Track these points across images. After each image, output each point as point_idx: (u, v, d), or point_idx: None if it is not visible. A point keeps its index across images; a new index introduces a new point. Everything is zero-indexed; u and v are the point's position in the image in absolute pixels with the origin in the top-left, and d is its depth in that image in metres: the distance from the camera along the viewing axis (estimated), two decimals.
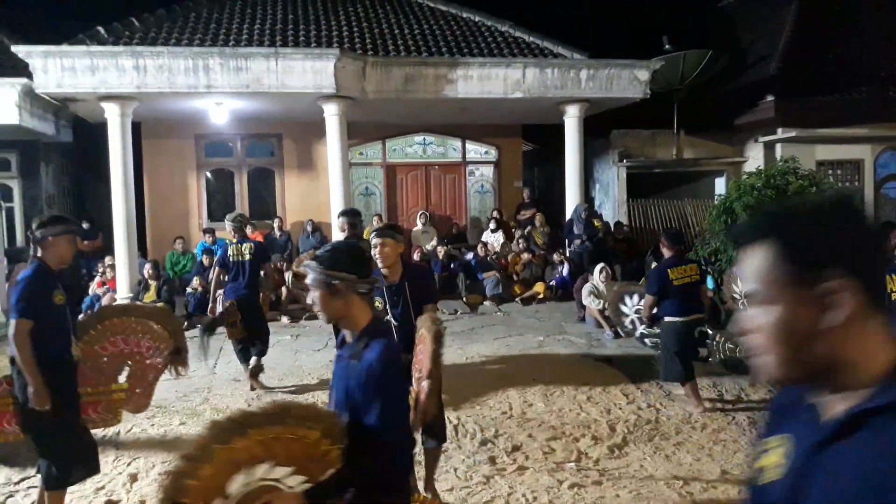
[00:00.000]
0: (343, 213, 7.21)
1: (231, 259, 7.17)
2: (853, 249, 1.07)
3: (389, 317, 4.26)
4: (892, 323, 1.07)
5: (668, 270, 6.15)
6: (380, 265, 4.23)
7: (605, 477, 4.74)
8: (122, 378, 4.49)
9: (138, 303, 7.73)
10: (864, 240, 1.09)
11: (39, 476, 4.05)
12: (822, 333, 1.05)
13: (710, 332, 6.97)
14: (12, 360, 3.81)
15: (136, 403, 4.53)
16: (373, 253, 4.19)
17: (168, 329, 4.60)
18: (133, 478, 4.80)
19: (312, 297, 2.38)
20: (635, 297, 7.64)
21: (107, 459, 5.14)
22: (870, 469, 0.98)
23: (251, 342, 7.07)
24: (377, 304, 4.23)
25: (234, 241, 7.29)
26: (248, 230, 7.76)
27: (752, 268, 1.13)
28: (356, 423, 2.25)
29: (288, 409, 2.28)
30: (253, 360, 7.00)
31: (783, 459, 1.14)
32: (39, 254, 3.91)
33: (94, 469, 4.13)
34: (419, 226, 13.74)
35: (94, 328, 4.40)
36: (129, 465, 5.03)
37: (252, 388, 6.89)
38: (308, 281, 2.39)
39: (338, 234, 8.00)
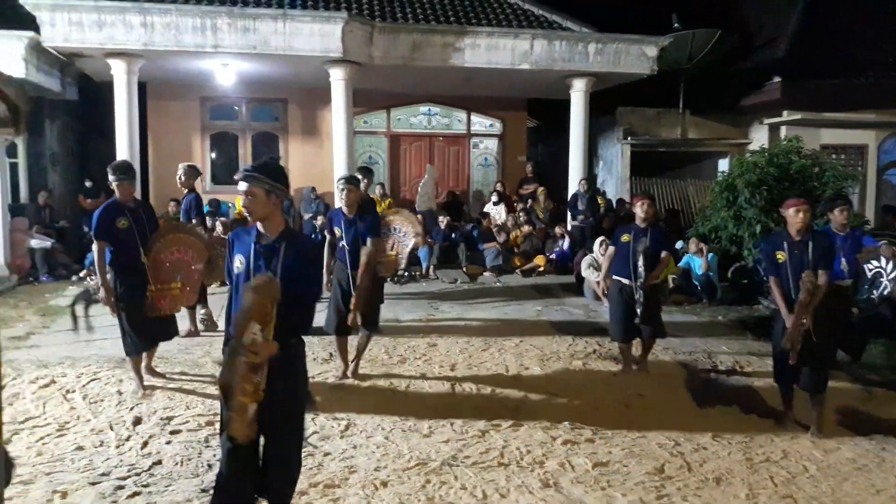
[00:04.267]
0: (343, 178, 6.92)
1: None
2: None
3: (343, 242, 5.73)
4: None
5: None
6: (343, 205, 5.76)
7: (598, 435, 4.83)
8: (178, 279, 5.72)
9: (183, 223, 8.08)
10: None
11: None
12: None
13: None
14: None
15: (186, 298, 5.92)
16: (338, 195, 5.83)
17: (204, 244, 5.97)
18: (137, 420, 4.89)
19: (248, 198, 2.99)
20: None
21: (111, 403, 5.25)
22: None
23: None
24: (336, 232, 5.82)
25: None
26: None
27: None
28: (290, 289, 2.91)
29: (273, 283, 2.87)
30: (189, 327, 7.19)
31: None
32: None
33: (158, 339, 5.74)
34: (428, 176, 13.81)
35: (158, 242, 5.62)
36: (131, 409, 5.12)
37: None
38: (246, 186, 2.99)
39: (339, 202, 7.79)
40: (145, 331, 5.48)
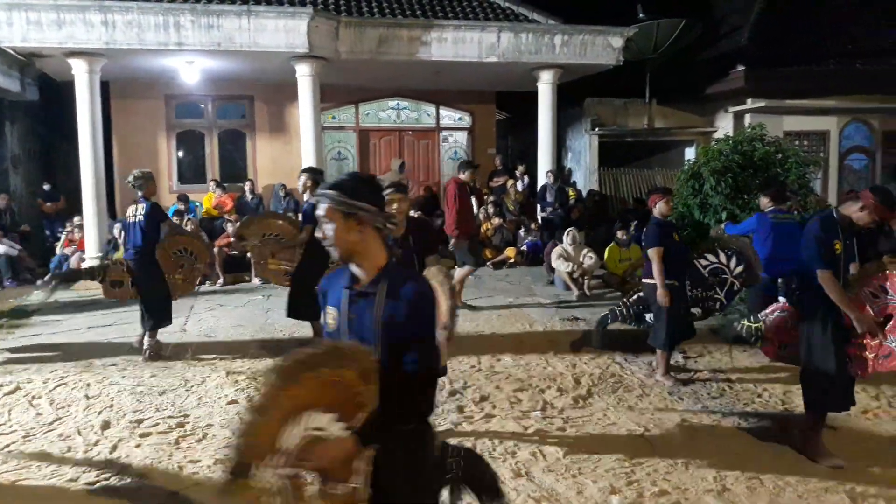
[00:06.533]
0: (305, 171, 6.78)
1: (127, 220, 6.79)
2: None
3: None
4: None
5: None
6: None
7: (569, 424, 4.89)
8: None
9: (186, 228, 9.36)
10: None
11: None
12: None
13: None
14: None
15: (186, 288, 7.10)
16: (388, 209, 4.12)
17: (204, 246, 7.28)
18: (105, 425, 4.84)
19: (325, 229, 2.19)
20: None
21: (78, 408, 5.19)
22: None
23: (143, 306, 6.69)
24: None
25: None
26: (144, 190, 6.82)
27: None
28: (392, 361, 2.12)
29: (339, 349, 2.08)
30: (141, 336, 6.73)
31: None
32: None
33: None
34: (395, 170, 13.65)
35: (167, 241, 6.80)
36: (100, 413, 5.07)
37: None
38: (321, 212, 2.19)
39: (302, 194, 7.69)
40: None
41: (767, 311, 4.98)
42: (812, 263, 4.19)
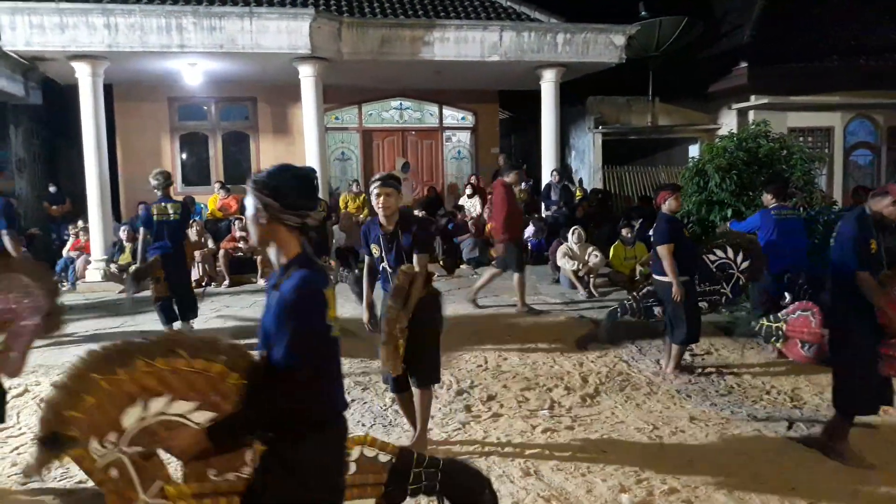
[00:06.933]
0: (378, 180, 7.10)
1: (155, 219, 7.17)
2: None
3: (385, 263, 4.36)
4: None
5: None
6: (380, 214, 4.27)
7: (577, 423, 4.88)
8: None
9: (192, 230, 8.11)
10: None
11: None
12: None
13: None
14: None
15: (11, 367, 3.98)
16: (375, 202, 4.24)
17: (44, 288, 4.13)
18: None
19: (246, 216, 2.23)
20: None
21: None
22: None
23: (175, 302, 7.28)
24: (374, 250, 4.41)
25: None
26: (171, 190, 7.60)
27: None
28: (266, 356, 2.11)
29: (178, 340, 2.26)
30: (178, 324, 7.24)
31: None
32: None
33: None
34: (398, 170, 13.62)
35: None
36: None
37: None
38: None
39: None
40: None
41: (788, 310, 4.91)
42: (848, 264, 4.06)
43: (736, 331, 7.19)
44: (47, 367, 6.23)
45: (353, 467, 2.69)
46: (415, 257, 4.23)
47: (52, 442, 2.21)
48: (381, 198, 4.18)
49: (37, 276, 4.13)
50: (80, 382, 2.19)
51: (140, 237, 7.62)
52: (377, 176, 4.31)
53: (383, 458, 2.78)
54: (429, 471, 2.80)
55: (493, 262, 9.00)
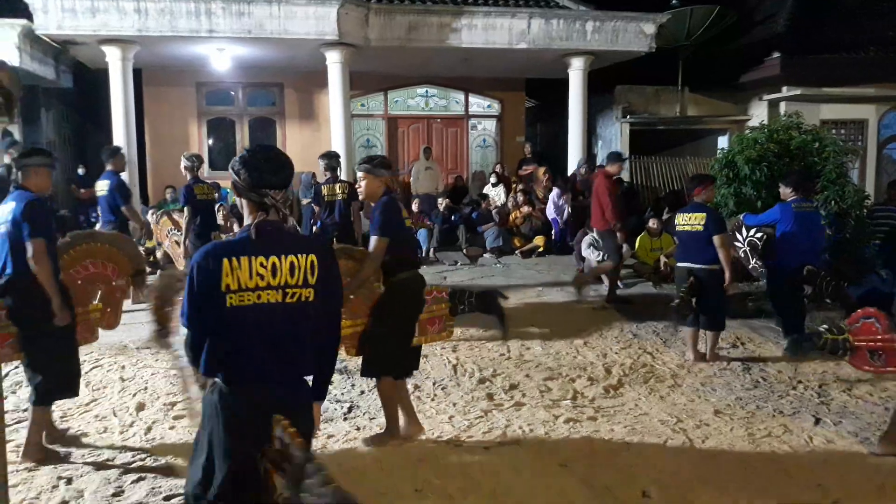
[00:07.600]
0: (321, 156, 7.89)
1: (325, 198, 7.71)
2: None
3: None
4: None
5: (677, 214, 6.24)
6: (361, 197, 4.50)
7: (600, 413, 4.85)
8: (95, 300, 4.62)
9: (100, 230, 7.95)
10: None
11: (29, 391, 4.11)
12: None
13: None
14: (8, 284, 3.89)
15: (108, 321, 4.76)
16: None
17: (127, 254, 4.85)
18: (140, 406, 4.91)
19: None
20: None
21: (114, 390, 5.26)
22: None
23: None
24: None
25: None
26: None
27: None
28: None
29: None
30: None
31: None
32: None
33: (76, 391, 4.31)
34: (421, 159, 13.61)
35: (67, 254, 4.42)
36: (134, 395, 5.14)
37: None
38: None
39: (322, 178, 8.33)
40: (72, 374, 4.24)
41: (849, 319, 4.68)
42: None
43: (792, 350, 6.53)
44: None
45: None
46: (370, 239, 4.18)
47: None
48: (364, 182, 4.24)
49: (120, 245, 4.85)
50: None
51: (186, 216, 7.82)
52: (367, 156, 4.44)
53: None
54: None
55: (603, 257, 8.89)
